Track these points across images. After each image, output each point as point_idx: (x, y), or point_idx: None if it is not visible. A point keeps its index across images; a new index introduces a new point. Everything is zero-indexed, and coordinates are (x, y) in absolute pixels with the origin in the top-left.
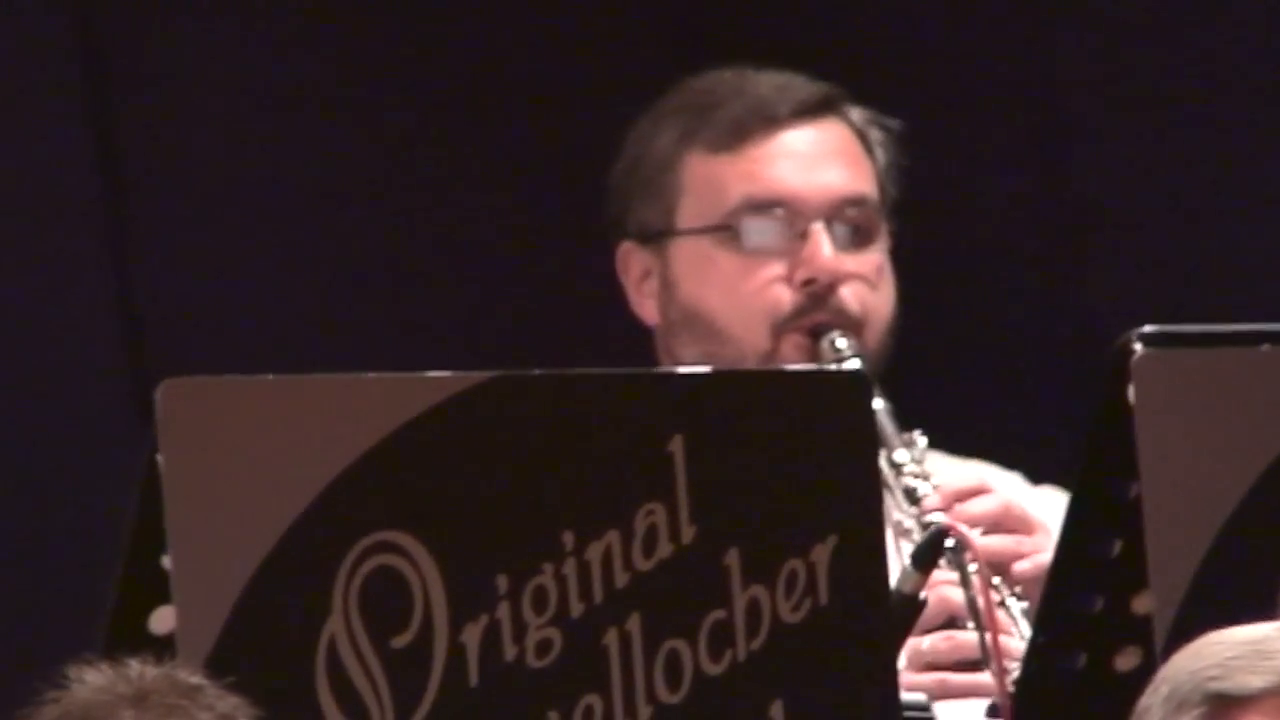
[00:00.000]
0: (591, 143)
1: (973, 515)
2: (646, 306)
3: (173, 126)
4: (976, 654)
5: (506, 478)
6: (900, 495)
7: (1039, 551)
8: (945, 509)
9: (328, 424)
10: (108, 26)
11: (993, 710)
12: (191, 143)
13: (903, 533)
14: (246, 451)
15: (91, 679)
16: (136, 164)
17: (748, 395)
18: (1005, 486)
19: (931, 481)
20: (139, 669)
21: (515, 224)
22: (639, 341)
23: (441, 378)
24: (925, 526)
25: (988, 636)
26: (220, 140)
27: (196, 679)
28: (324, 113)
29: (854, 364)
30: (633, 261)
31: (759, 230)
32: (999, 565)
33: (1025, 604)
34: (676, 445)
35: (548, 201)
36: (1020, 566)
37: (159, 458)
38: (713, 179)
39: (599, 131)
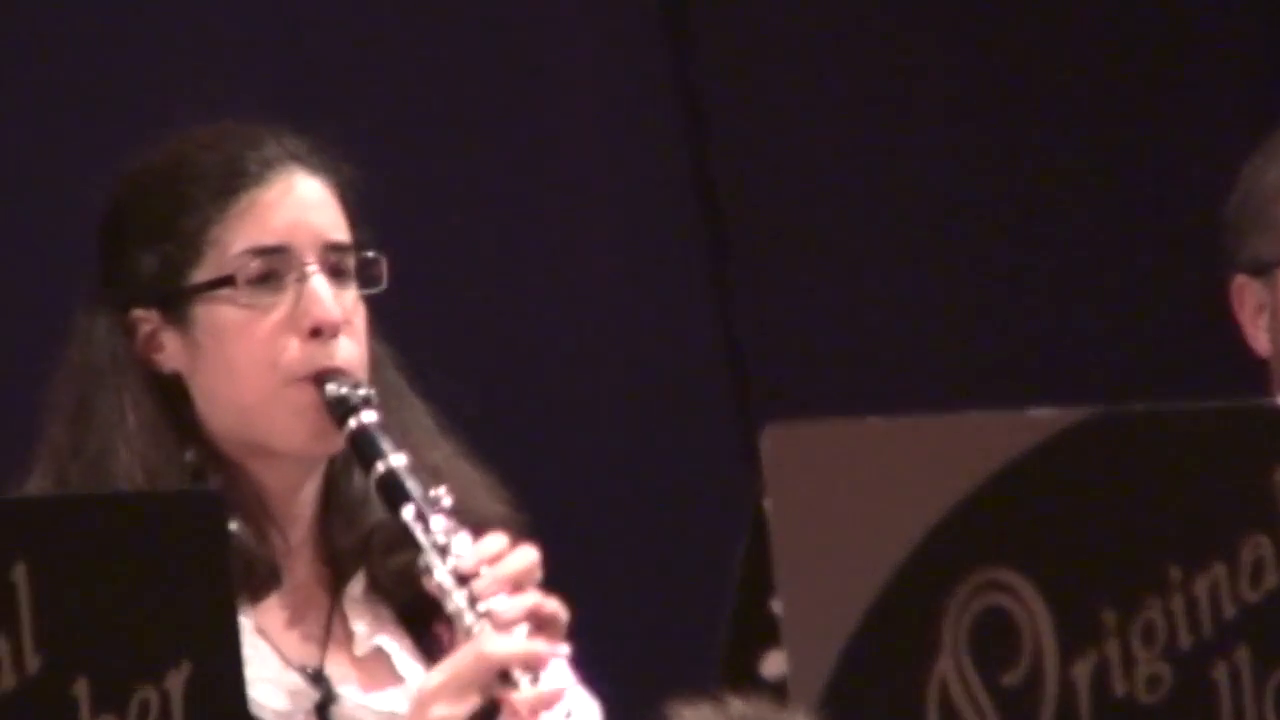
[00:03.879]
0: (1205, 176)
1: None
2: (1260, 340)
3: (772, 169)
4: None
5: (1110, 513)
6: None
7: None
8: None
9: (932, 464)
10: (705, 64)
11: None
12: (790, 181)
13: None
14: (852, 494)
15: (692, 718)
16: (735, 206)
17: None
18: None
19: None
20: (741, 710)
21: (1125, 257)
22: (1255, 375)
23: (1044, 416)
24: None
25: None
26: (823, 178)
27: None
28: (920, 146)
29: None
30: (1246, 295)
31: None
32: None
33: None
34: None
35: (1160, 234)
36: None
37: (766, 502)
38: None
39: (1214, 165)
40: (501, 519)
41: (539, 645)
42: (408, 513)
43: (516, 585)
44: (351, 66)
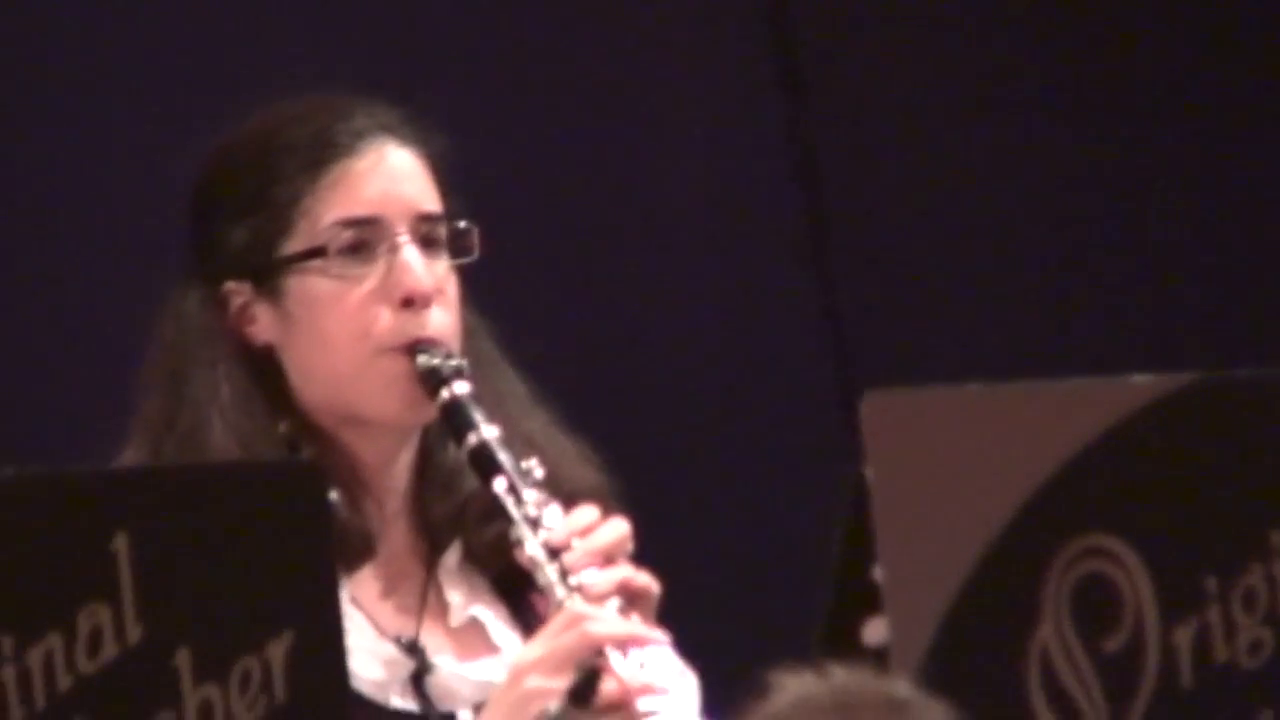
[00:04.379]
0: None
1: None
2: None
3: (871, 134)
4: None
5: (1212, 479)
6: None
7: None
8: None
9: (1033, 431)
10: (803, 38)
11: None
12: (889, 148)
13: None
14: (952, 461)
15: (794, 687)
16: (834, 173)
17: None
18: None
19: None
20: (844, 679)
21: (1229, 224)
22: None
23: (1145, 382)
24: None
25: None
26: (918, 146)
27: (904, 691)
28: (1020, 112)
29: None
30: None
31: None
32: None
33: None
34: None
35: (1264, 202)
36: None
37: (867, 470)
38: None
39: None
40: (596, 488)
41: (641, 629)
42: (499, 485)
43: (608, 558)
44: (449, 37)
